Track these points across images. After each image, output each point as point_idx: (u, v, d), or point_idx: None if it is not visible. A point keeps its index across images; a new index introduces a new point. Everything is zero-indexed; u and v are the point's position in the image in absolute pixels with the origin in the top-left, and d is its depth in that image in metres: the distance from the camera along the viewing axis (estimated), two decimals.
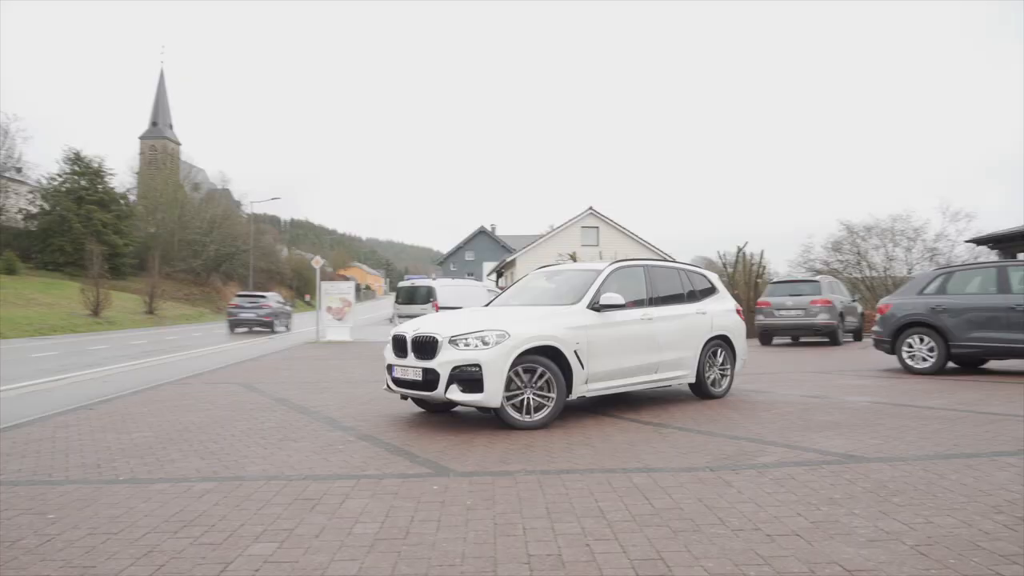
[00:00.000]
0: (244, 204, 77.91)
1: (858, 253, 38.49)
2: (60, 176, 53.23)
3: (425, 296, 17.93)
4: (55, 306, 36.54)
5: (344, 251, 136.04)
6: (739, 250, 26.18)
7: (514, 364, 6.44)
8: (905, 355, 11.25)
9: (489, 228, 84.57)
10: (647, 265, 8.37)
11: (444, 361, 6.45)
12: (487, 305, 8.51)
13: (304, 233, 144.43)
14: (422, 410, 7.63)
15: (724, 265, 27.94)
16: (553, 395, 6.60)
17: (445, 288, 18.41)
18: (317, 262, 26.07)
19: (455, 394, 6.42)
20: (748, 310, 23.93)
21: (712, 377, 8.45)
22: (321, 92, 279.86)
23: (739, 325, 8.89)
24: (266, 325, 30.03)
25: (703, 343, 8.26)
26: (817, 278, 20.50)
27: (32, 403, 9.14)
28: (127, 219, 56.52)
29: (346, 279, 72.65)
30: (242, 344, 23.12)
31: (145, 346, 21.39)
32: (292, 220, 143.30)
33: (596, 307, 7.18)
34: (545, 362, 6.60)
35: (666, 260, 9.28)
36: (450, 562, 3.21)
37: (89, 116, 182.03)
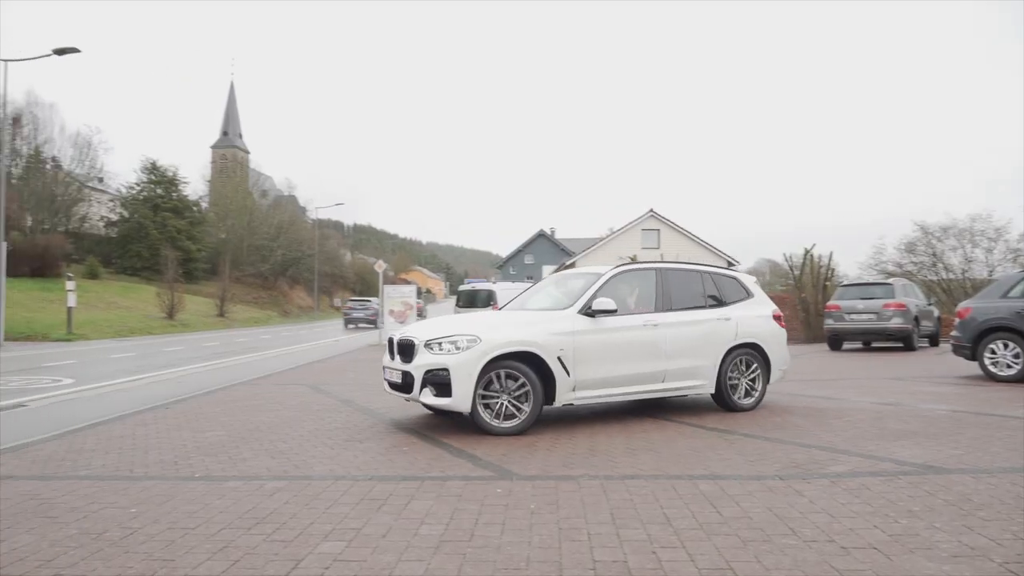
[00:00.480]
0: (309, 210, 79.93)
1: (934, 254, 36.86)
2: (138, 185, 55.77)
3: (485, 300, 18.00)
4: (133, 309, 38.25)
5: (405, 255, 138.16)
6: (807, 252, 25.45)
7: (486, 369, 6.40)
8: (987, 361, 10.71)
9: (548, 231, 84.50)
10: (661, 268, 7.92)
11: (419, 364, 6.53)
12: (502, 307, 8.51)
13: (367, 238, 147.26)
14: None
15: (790, 267, 27.21)
16: (529, 401, 6.52)
17: (506, 292, 18.42)
18: (380, 266, 26.54)
19: (427, 397, 6.50)
20: (816, 314, 23.28)
21: (738, 388, 7.82)
22: (384, 98, 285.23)
23: (775, 332, 8.17)
24: (371, 322, 35.25)
25: (724, 351, 7.66)
26: (890, 280, 19.70)
27: (114, 402, 9.58)
28: (199, 225, 58.75)
29: (407, 283, 73.71)
30: (308, 347, 23.75)
31: (217, 348, 22.17)
32: (355, 225, 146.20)
33: (588, 312, 6.97)
34: (522, 368, 6.51)
35: (689, 263, 8.52)
36: (515, 566, 3.21)
37: (165, 127, 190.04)
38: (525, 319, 7.23)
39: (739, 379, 7.87)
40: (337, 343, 25.47)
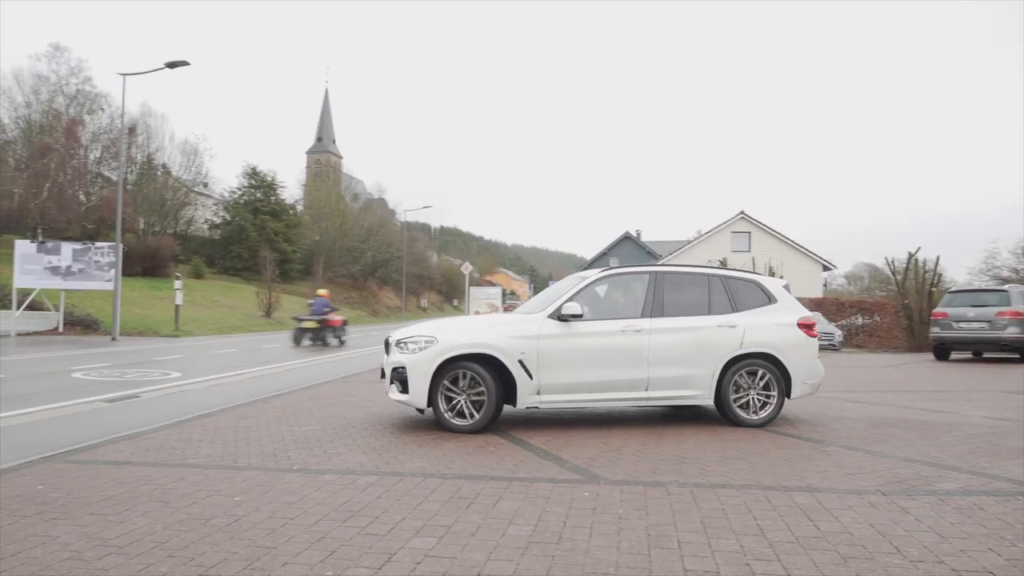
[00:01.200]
0: (398, 213, 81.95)
1: None
2: (239, 189, 58.73)
3: None
4: (234, 307, 40.25)
5: (490, 257, 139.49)
6: (910, 256, 24.14)
7: (443, 368, 6.68)
8: None
9: (634, 234, 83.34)
10: (656, 272, 7.53)
11: (389, 361, 7.04)
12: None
13: (452, 240, 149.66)
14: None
15: (893, 272, 25.87)
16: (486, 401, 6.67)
17: None
18: (466, 268, 26.95)
19: (393, 393, 6.94)
20: (920, 321, 22.02)
21: (747, 401, 7.23)
22: (470, 102, 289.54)
23: (797, 342, 7.34)
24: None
25: (726, 361, 7.11)
26: (1006, 287, 18.40)
27: (217, 395, 10.11)
28: (295, 228, 61.26)
29: (492, 284, 74.49)
30: None
31: (311, 346, 23.03)
32: (441, 227, 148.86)
33: (558, 317, 6.92)
34: (478, 369, 6.67)
35: (698, 267, 7.93)
36: (604, 570, 3.19)
37: (265, 133, 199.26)
38: (493, 322, 7.57)
39: (748, 392, 7.25)
40: None
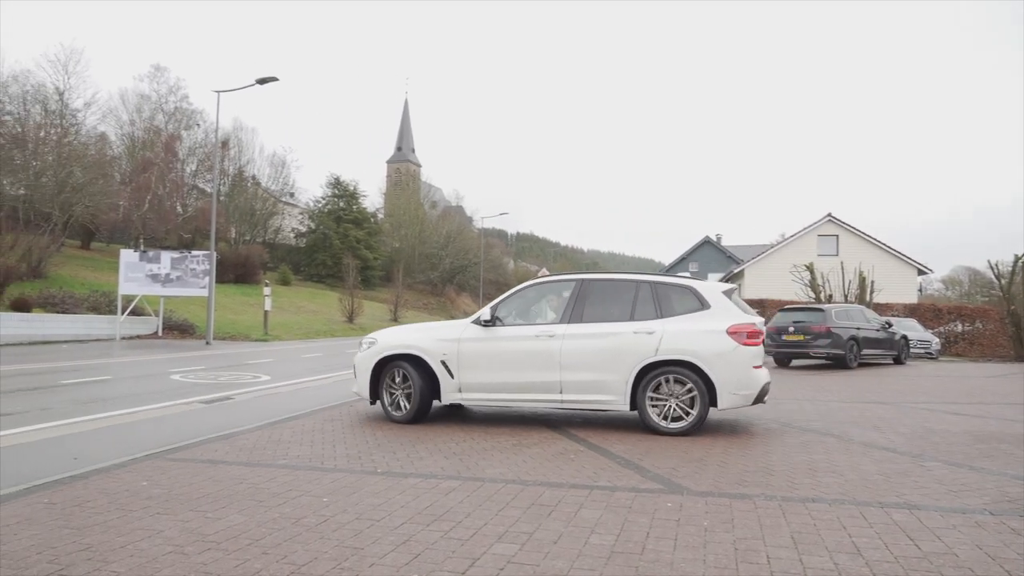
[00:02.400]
0: (475, 219, 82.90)
1: None
2: (323, 199, 60.77)
3: None
4: (318, 313, 41.60)
5: (567, 263, 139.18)
6: (1017, 259, 22.66)
7: (381, 366, 7.74)
8: None
9: (714, 238, 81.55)
10: (583, 279, 7.64)
11: (354, 359, 8.13)
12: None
13: (529, 246, 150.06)
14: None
15: (997, 276, 24.35)
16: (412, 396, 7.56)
17: None
18: (543, 274, 26.97)
19: (353, 385, 8.15)
20: None
21: (665, 409, 6.96)
22: (547, 108, 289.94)
23: (721, 349, 6.89)
24: None
25: (639, 367, 6.94)
26: None
27: (304, 397, 10.47)
28: (376, 235, 62.86)
29: None
30: None
31: None
32: (518, 233, 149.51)
33: (478, 322, 7.54)
34: (407, 367, 7.58)
35: (629, 274, 7.82)
36: None
37: (347, 143, 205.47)
38: (429, 327, 8.39)
39: (667, 399, 6.99)
40: None
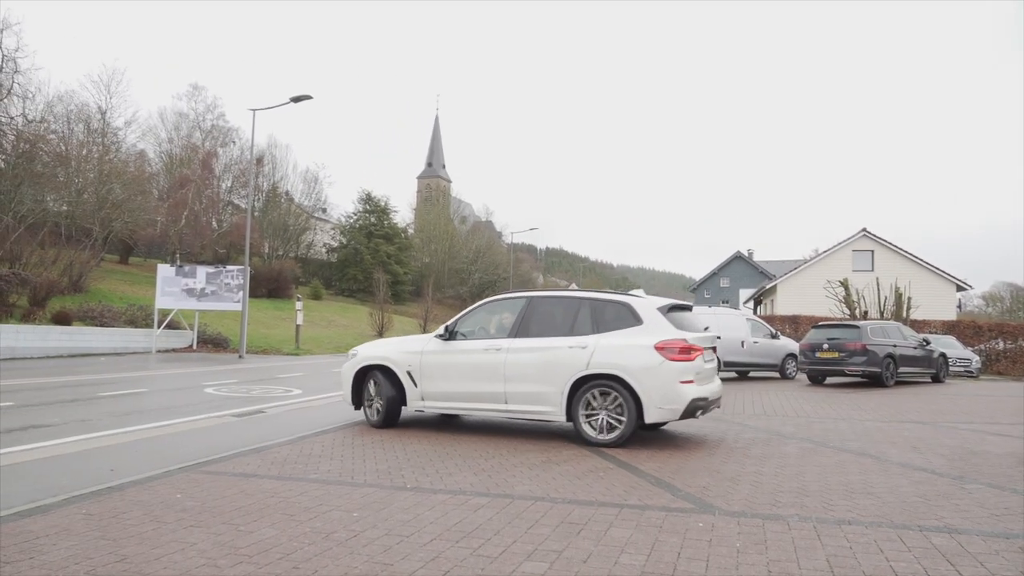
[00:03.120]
0: (504, 235, 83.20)
1: None
2: (355, 215, 61.49)
3: None
4: (349, 327, 41.96)
5: (596, 278, 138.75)
6: None
7: (360, 375, 8.61)
8: None
9: (746, 253, 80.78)
10: (532, 297, 8.20)
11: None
12: None
13: (558, 261, 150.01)
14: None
15: None
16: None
17: (702, 317, 17.86)
18: (572, 289, 26.95)
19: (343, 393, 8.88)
20: None
21: (597, 421, 7.15)
22: (575, 122, 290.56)
23: (647, 364, 7.02)
24: None
25: (573, 380, 7.22)
26: None
27: (335, 412, 10.53)
28: (406, 251, 63.38)
29: None
30: None
31: None
32: (547, 248, 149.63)
33: (440, 335, 8.22)
34: (380, 377, 8.38)
35: (574, 292, 8.26)
36: None
37: (378, 159, 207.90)
38: (401, 340, 9.20)
39: (599, 411, 7.19)
40: None
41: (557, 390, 7.34)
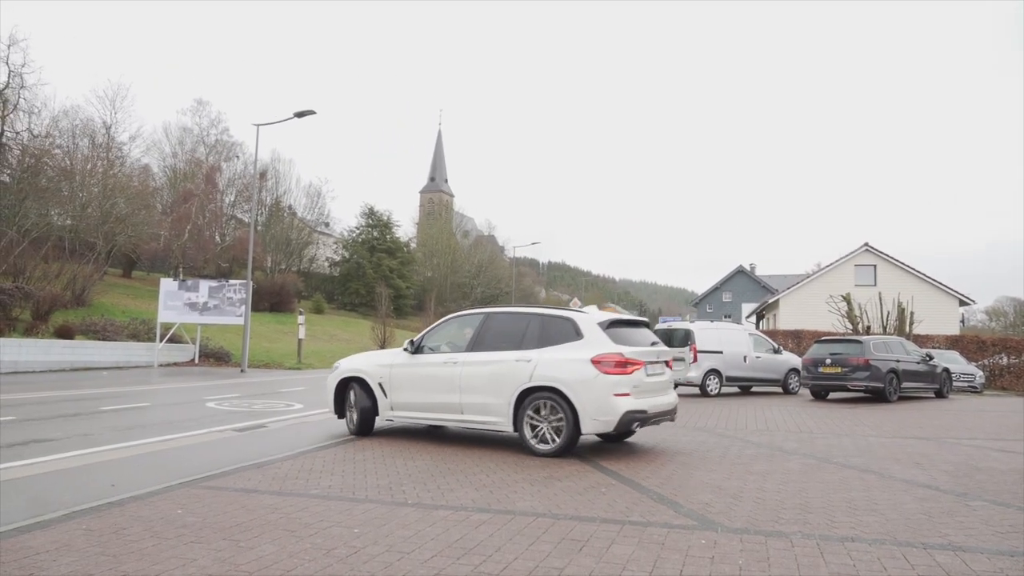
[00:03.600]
0: (507, 249, 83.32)
1: None
2: (357, 229, 61.65)
3: (683, 339, 17.46)
4: (351, 342, 41.94)
5: (599, 292, 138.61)
6: None
7: (342, 386, 9.24)
8: None
9: (748, 267, 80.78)
10: (490, 312, 8.64)
11: None
12: None
13: (561, 275, 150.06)
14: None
15: None
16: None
17: (704, 331, 17.79)
18: (575, 304, 26.89)
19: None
20: None
21: (539, 432, 7.56)
22: (578, 137, 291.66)
23: (583, 377, 7.31)
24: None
25: (517, 392, 7.61)
26: None
27: (336, 426, 10.52)
28: (409, 265, 63.48)
29: None
30: None
31: None
32: (550, 262, 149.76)
33: (404, 348, 8.77)
34: (357, 388, 8.97)
35: (526, 308, 8.75)
36: None
37: (381, 173, 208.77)
38: (375, 354, 9.79)
39: (541, 423, 7.56)
40: None
41: (504, 401, 7.71)
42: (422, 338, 8.81)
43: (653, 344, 8.26)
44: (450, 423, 8.44)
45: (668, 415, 8.05)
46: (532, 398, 7.56)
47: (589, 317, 8.00)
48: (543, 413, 7.53)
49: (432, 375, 8.38)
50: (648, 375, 7.64)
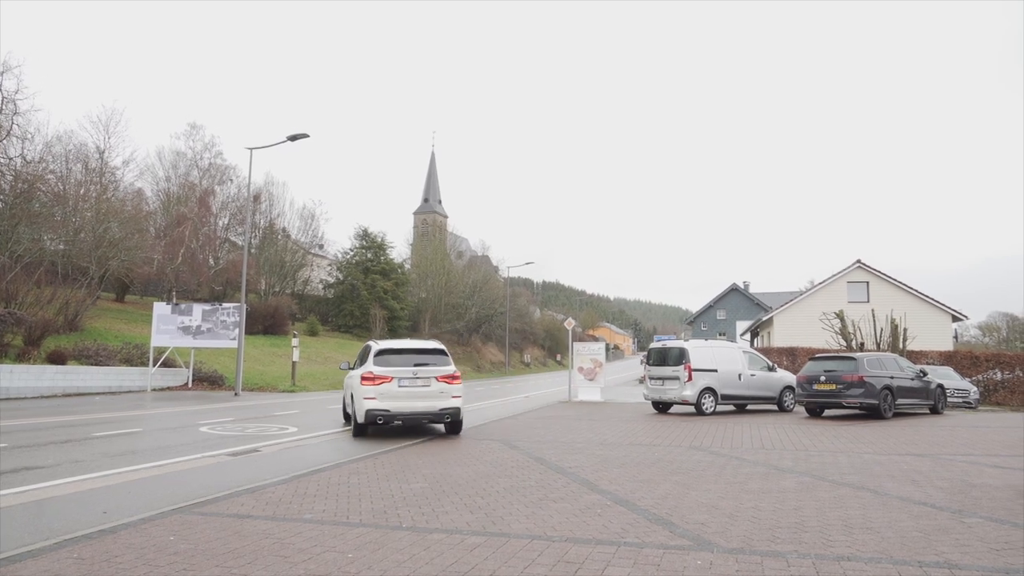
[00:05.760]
0: (501, 269, 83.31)
1: None
2: (351, 250, 61.56)
3: (677, 357, 17.47)
4: None
5: (593, 311, 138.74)
6: None
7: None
8: None
9: (742, 285, 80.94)
10: (369, 344, 12.69)
11: None
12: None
13: (555, 295, 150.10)
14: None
15: None
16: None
17: (699, 350, 17.80)
18: (569, 323, 26.88)
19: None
20: None
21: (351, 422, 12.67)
22: (571, 157, 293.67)
23: (357, 385, 11.64)
24: None
25: (346, 396, 13.26)
26: None
27: (331, 450, 10.47)
28: (403, 286, 63.32)
29: (596, 339, 73.87)
30: (499, 402, 24.44)
31: None
32: (544, 282, 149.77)
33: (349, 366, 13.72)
34: (346, 399, 13.16)
35: (371, 341, 13.28)
36: None
37: (375, 195, 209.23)
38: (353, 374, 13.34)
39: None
40: (528, 399, 25.98)
41: (349, 401, 12.54)
42: (357, 359, 13.49)
43: (416, 365, 11.48)
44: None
45: (422, 417, 11.47)
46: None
47: (378, 346, 12.05)
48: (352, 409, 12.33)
49: (349, 385, 12.75)
50: (399, 386, 11.19)
